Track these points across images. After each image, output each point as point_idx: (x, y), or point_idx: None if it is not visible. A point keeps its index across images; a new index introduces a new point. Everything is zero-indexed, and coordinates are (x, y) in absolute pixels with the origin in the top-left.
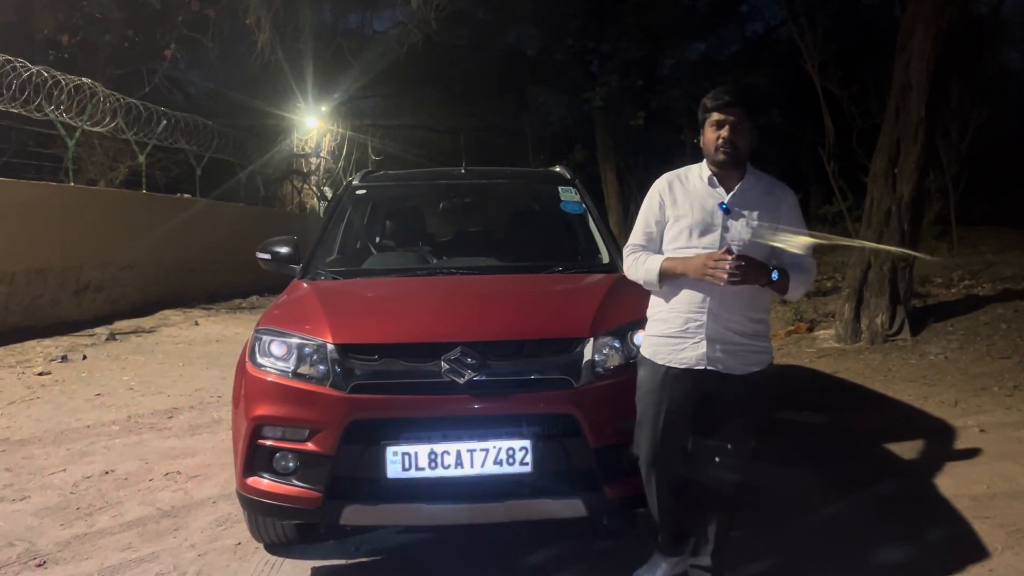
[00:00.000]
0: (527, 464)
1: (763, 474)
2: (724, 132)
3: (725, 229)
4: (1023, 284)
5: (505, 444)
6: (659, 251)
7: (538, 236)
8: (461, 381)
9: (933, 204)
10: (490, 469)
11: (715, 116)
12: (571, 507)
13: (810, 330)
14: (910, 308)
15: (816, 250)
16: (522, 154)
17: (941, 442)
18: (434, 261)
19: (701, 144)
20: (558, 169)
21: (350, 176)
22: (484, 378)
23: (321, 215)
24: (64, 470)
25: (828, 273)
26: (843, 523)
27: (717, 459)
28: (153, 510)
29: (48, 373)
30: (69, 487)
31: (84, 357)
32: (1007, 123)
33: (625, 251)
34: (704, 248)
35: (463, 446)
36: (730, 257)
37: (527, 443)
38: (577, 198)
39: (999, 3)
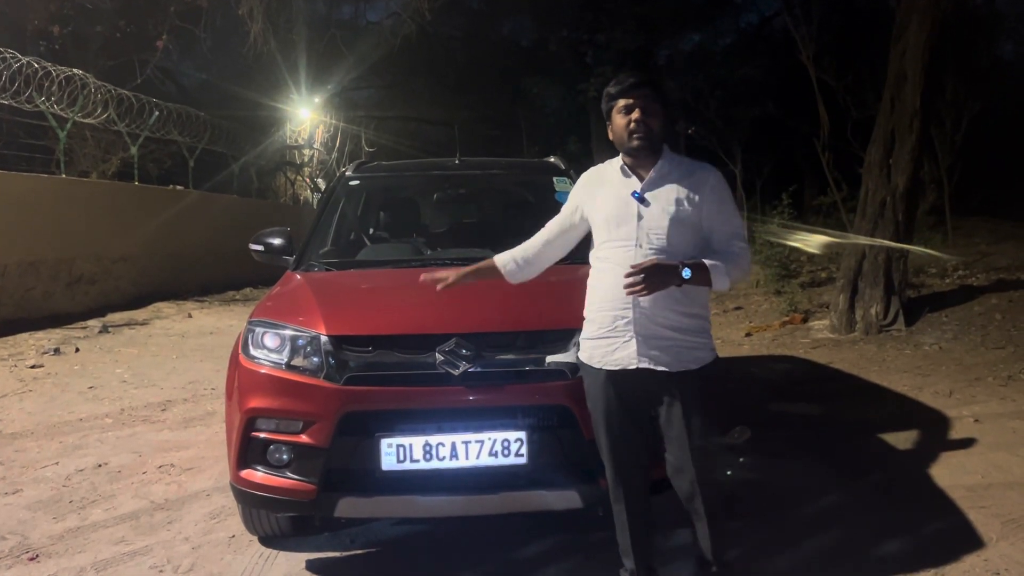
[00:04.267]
0: (522, 456)
1: (757, 465)
2: (635, 115)
3: (640, 218)
4: (1017, 275)
5: (500, 436)
6: (562, 242)
7: (532, 227)
8: (456, 373)
9: (928, 195)
10: (485, 461)
11: (622, 101)
12: (566, 499)
13: (805, 321)
14: (905, 298)
15: (811, 240)
16: (516, 145)
17: (936, 432)
18: (428, 252)
19: (611, 135)
20: (552, 160)
21: (343, 167)
22: (479, 369)
23: (314, 206)
24: (57, 463)
25: (822, 264)
26: (838, 513)
27: (674, 456)
28: (147, 503)
29: (40, 366)
30: (62, 480)
31: (77, 350)
32: (1001, 114)
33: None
34: (622, 240)
35: (458, 438)
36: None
37: (522, 435)
38: (572, 189)
39: None
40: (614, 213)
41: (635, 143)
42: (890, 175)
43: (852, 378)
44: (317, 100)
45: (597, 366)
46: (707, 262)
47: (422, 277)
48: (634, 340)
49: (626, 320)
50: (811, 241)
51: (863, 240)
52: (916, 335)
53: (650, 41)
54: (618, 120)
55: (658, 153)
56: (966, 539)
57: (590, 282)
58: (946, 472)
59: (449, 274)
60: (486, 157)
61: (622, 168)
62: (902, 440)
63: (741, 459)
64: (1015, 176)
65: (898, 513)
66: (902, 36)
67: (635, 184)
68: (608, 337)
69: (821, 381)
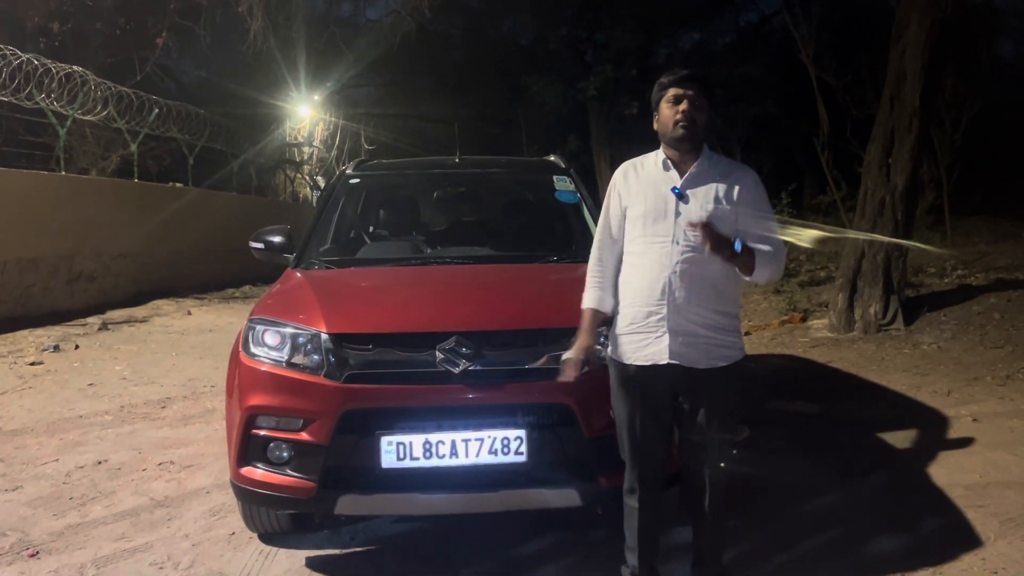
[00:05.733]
0: (522, 454)
1: (756, 463)
2: (682, 107)
3: (678, 214)
4: (1016, 274)
5: (500, 434)
6: (622, 247)
7: (533, 225)
8: (456, 371)
9: (927, 194)
10: (485, 459)
11: (672, 91)
12: (566, 496)
13: (804, 320)
14: (903, 298)
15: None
16: (516, 143)
17: (934, 431)
18: (428, 250)
19: (656, 125)
20: (552, 158)
21: (343, 165)
22: (479, 368)
23: (314, 204)
24: (57, 460)
25: (822, 263)
26: (837, 512)
27: (691, 452)
28: (147, 500)
29: (40, 363)
30: (62, 477)
31: (76, 347)
32: (1001, 113)
33: (592, 252)
34: (659, 236)
35: (458, 436)
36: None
37: (522, 433)
38: (572, 187)
39: None
40: (652, 208)
41: (679, 132)
42: (889, 174)
43: (851, 377)
44: (317, 98)
45: (627, 361)
46: (754, 247)
47: (564, 357)
48: (666, 336)
49: (659, 316)
50: (803, 236)
51: (861, 235)
52: (915, 334)
53: (650, 39)
54: (665, 110)
55: (699, 149)
56: (964, 538)
57: (623, 277)
58: (944, 471)
59: (582, 345)
60: (486, 155)
61: (663, 162)
62: (900, 439)
63: (739, 458)
64: (1014, 175)
65: (896, 512)
66: (902, 36)
67: (675, 179)
68: (640, 332)
69: (820, 380)
